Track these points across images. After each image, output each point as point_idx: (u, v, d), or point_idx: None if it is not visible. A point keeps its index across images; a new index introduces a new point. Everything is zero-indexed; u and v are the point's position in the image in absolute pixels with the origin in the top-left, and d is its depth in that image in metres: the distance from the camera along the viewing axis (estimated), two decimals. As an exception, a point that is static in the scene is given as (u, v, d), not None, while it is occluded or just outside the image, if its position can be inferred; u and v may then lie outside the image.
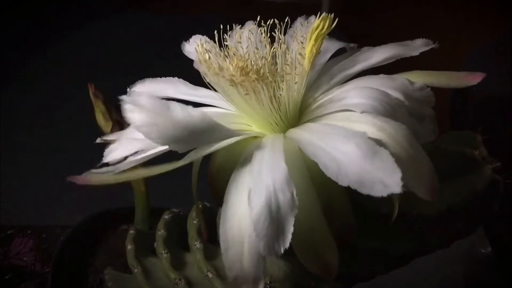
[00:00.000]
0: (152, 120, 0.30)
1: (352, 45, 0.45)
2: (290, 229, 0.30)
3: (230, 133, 0.35)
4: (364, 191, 0.29)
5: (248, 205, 0.30)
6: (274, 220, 0.30)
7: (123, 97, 0.30)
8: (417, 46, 0.41)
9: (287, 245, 0.30)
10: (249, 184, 0.31)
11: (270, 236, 0.30)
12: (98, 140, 0.41)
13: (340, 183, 0.29)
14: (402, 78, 0.37)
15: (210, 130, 0.33)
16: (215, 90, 0.41)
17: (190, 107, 0.32)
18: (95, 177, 0.36)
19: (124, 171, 0.36)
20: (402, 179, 0.28)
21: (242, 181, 0.33)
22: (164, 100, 0.31)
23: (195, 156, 0.35)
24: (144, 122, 0.30)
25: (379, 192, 0.28)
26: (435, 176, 0.31)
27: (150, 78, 0.46)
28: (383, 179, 0.28)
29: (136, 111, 0.30)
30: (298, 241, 0.33)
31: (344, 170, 0.29)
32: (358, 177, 0.29)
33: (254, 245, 0.31)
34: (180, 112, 0.31)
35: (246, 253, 0.31)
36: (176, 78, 0.45)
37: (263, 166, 0.32)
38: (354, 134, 0.31)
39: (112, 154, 0.39)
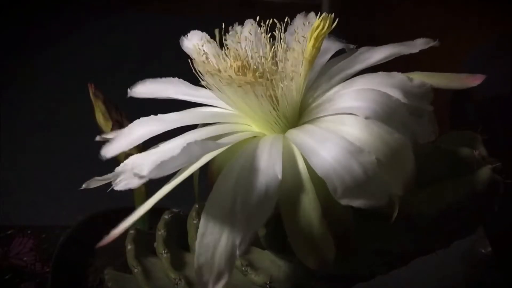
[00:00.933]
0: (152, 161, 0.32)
1: (351, 46, 0.45)
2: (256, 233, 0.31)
3: (231, 140, 0.36)
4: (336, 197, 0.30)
5: (234, 202, 0.31)
6: (254, 224, 0.31)
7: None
8: (417, 45, 0.41)
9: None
10: (240, 183, 0.32)
11: (247, 236, 0.31)
12: (98, 138, 0.41)
13: (334, 195, 0.30)
14: (401, 75, 0.37)
15: (210, 150, 0.34)
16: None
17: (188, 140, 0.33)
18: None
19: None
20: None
21: (234, 176, 0.33)
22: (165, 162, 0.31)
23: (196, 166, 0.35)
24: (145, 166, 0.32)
25: (366, 205, 0.30)
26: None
27: (151, 79, 0.46)
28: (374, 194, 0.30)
29: (143, 179, 0.31)
30: (297, 239, 0.33)
31: (341, 182, 0.30)
32: (345, 184, 0.30)
33: (232, 240, 0.31)
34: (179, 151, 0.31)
35: (222, 243, 0.32)
36: (177, 78, 0.45)
37: (258, 169, 0.33)
38: (352, 147, 0.31)
39: (110, 148, 0.39)
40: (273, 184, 0.32)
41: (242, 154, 0.35)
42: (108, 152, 0.40)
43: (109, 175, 0.37)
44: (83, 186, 0.37)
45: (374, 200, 0.30)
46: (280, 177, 0.32)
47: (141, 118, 0.41)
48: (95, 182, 0.37)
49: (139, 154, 0.38)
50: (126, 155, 0.56)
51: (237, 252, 0.31)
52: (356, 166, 0.30)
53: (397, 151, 0.32)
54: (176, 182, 0.36)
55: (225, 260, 0.32)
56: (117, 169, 0.37)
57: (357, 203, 0.30)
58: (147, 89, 0.45)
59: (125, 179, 0.36)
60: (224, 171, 0.34)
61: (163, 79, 0.45)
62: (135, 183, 0.35)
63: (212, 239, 0.32)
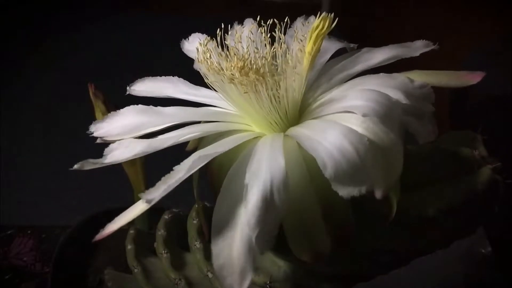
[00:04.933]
0: None
1: (352, 45, 0.45)
2: (276, 229, 0.30)
3: (232, 142, 0.36)
4: (327, 173, 0.29)
5: (244, 198, 0.31)
6: (266, 217, 0.30)
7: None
8: (417, 48, 0.41)
9: (274, 240, 0.30)
10: (246, 179, 0.32)
11: (262, 230, 0.30)
12: (99, 140, 0.41)
13: (323, 172, 0.30)
14: (402, 76, 0.37)
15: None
16: (215, 90, 0.41)
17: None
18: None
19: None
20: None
21: (240, 174, 0.33)
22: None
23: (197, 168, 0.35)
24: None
25: (340, 189, 0.29)
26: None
27: (150, 77, 0.46)
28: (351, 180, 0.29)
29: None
30: (293, 233, 0.33)
31: (328, 159, 0.30)
32: (334, 171, 0.29)
33: (247, 234, 0.31)
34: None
35: (237, 240, 0.31)
36: (176, 77, 0.45)
37: (262, 163, 0.32)
38: (350, 132, 0.31)
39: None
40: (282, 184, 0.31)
41: (244, 157, 0.35)
42: (98, 130, 0.40)
43: (102, 158, 0.37)
44: (75, 166, 0.36)
45: (363, 185, 0.30)
46: (285, 176, 0.32)
47: (139, 105, 0.41)
48: (89, 164, 0.37)
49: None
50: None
51: (255, 246, 0.30)
52: (347, 144, 0.30)
53: (388, 151, 0.32)
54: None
55: (243, 256, 0.31)
56: (112, 145, 0.38)
57: (346, 189, 0.30)
58: (146, 87, 0.45)
59: (117, 148, 0.37)
60: (229, 175, 0.34)
61: (163, 77, 0.45)
62: (126, 154, 0.36)
63: (227, 237, 0.32)
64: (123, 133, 0.40)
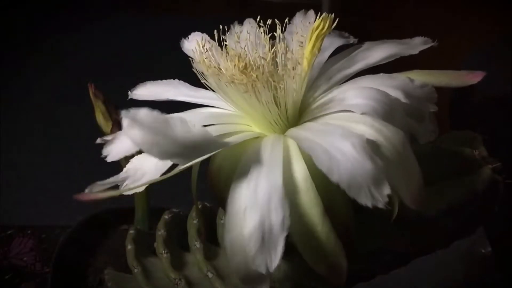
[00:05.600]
0: (151, 138, 0.30)
1: (352, 40, 0.45)
2: (280, 249, 0.30)
3: (233, 140, 0.35)
4: (351, 193, 0.29)
5: (243, 221, 0.31)
6: (265, 240, 0.30)
7: (122, 112, 0.30)
8: (416, 45, 0.41)
9: (277, 263, 0.30)
10: (244, 200, 0.32)
11: (260, 254, 0.30)
12: (99, 140, 0.41)
13: (329, 177, 0.29)
14: (402, 76, 0.37)
15: (211, 146, 0.33)
16: (214, 91, 0.41)
17: (190, 123, 0.32)
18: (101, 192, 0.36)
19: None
20: (389, 191, 0.29)
21: (240, 192, 0.33)
22: (163, 116, 0.31)
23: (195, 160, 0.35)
24: (144, 140, 0.30)
25: (363, 200, 0.29)
26: (423, 185, 0.32)
27: (151, 81, 0.46)
28: (371, 189, 0.29)
29: (135, 128, 0.29)
30: (301, 242, 0.33)
31: (336, 165, 0.29)
32: (348, 177, 0.29)
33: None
34: (180, 129, 0.31)
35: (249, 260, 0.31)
36: (177, 80, 0.45)
37: (260, 180, 0.32)
38: (351, 134, 0.31)
39: (112, 152, 0.39)
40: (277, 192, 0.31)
41: (244, 166, 0.34)
42: (110, 153, 0.40)
43: (111, 179, 0.37)
44: (86, 190, 0.37)
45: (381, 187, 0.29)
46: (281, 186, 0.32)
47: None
48: (98, 187, 0.37)
49: (139, 157, 0.38)
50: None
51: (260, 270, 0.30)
52: (345, 143, 0.30)
53: (391, 141, 0.32)
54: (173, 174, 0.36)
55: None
56: (122, 174, 0.38)
57: (353, 191, 0.29)
58: (147, 91, 0.45)
59: (130, 183, 0.37)
60: (231, 192, 0.33)
61: (164, 81, 0.46)
62: (141, 187, 0.36)
63: (240, 258, 0.31)
64: (134, 150, 0.39)
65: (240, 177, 0.33)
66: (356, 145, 0.30)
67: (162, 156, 0.30)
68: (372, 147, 0.30)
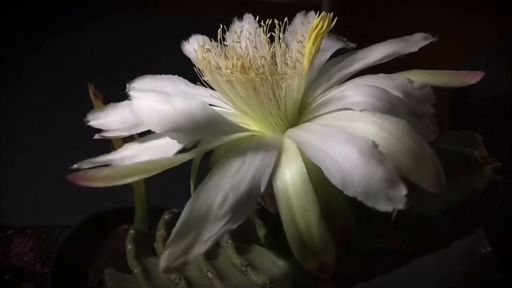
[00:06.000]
0: (154, 109, 0.30)
1: (351, 45, 0.45)
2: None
3: (231, 127, 0.35)
4: (369, 203, 0.29)
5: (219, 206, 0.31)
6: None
7: (131, 92, 0.31)
8: (416, 42, 0.41)
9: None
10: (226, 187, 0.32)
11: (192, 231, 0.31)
12: (97, 136, 0.41)
13: (345, 193, 0.29)
14: (401, 77, 0.37)
15: (211, 122, 0.33)
16: (214, 89, 0.41)
17: (192, 98, 0.32)
18: (95, 172, 0.35)
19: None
20: (406, 191, 0.28)
21: (224, 175, 0.33)
22: (167, 92, 0.31)
23: (199, 151, 0.35)
24: (145, 110, 0.30)
25: (383, 206, 0.29)
26: (439, 167, 0.31)
27: (150, 75, 0.46)
28: (388, 192, 0.29)
29: (141, 103, 0.30)
30: (296, 241, 0.33)
31: (350, 179, 0.29)
32: (363, 189, 0.29)
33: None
34: (181, 102, 0.31)
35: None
36: (176, 76, 0.45)
37: (247, 174, 0.32)
38: (356, 140, 0.31)
39: (98, 117, 0.40)
40: (255, 193, 0.32)
41: (237, 153, 0.34)
42: (95, 119, 0.40)
43: (103, 158, 0.37)
44: (75, 165, 0.36)
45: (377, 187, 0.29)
46: (262, 189, 0.32)
47: None
48: (88, 164, 0.36)
49: (136, 145, 0.38)
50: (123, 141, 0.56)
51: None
52: (351, 151, 0.30)
53: (395, 133, 0.31)
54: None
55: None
56: (116, 158, 0.37)
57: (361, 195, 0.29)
58: (146, 85, 0.45)
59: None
60: (218, 164, 0.34)
61: (163, 76, 0.45)
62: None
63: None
64: (121, 129, 0.39)
65: (231, 157, 0.34)
66: (363, 151, 0.30)
67: (162, 127, 0.30)
68: (379, 149, 0.30)
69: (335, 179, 0.30)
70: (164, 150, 0.36)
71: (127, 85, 0.45)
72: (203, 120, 0.32)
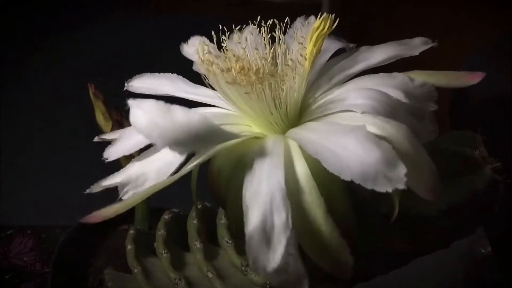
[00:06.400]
0: (154, 122, 0.30)
1: (351, 45, 0.45)
2: (281, 250, 0.30)
3: (230, 136, 0.35)
4: (368, 185, 0.28)
5: (244, 220, 0.31)
6: (267, 240, 0.30)
7: (129, 101, 0.30)
8: (417, 45, 0.41)
9: (276, 264, 0.30)
10: (245, 199, 0.31)
11: (260, 253, 0.30)
12: (96, 139, 0.41)
13: (343, 177, 0.29)
14: (402, 76, 0.37)
15: (211, 134, 0.33)
16: (215, 90, 0.41)
17: (191, 111, 0.32)
18: (106, 210, 0.37)
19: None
20: (406, 170, 0.28)
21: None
22: (166, 105, 0.31)
23: (196, 162, 0.35)
24: (146, 124, 0.30)
25: (383, 186, 0.28)
26: (436, 175, 0.31)
27: (149, 73, 0.46)
28: (387, 173, 0.28)
29: (140, 113, 0.30)
30: (306, 241, 0.32)
31: (346, 164, 0.29)
32: (360, 170, 0.28)
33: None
34: (181, 115, 0.31)
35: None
36: (175, 75, 0.45)
37: (262, 180, 0.32)
38: (352, 128, 0.31)
39: (113, 151, 0.39)
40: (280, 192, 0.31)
41: (244, 166, 0.34)
42: (111, 154, 0.40)
43: (111, 181, 0.37)
44: (87, 191, 0.37)
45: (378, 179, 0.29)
46: (284, 186, 0.31)
47: None
48: (99, 187, 0.37)
49: (141, 161, 0.38)
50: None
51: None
52: (348, 137, 0.30)
53: (395, 136, 0.31)
54: (177, 177, 0.36)
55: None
56: (122, 180, 0.38)
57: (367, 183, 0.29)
58: (144, 83, 0.45)
59: (131, 189, 0.37)
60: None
61: (162, 74, 0.45)
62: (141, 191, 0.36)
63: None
64: (134, 150, 0.40)
65: (241, 172, 0.33)
66: (359, 136, 0.30)
67: (163, 141, 0.30)
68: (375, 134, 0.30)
69: (331, 165, 0.29)
70: (167, 162, 0.37)
71: (126, 83, 0.45)
72: (204, 134, 0.32)
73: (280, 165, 0.33)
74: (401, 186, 0.28)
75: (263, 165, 0.33)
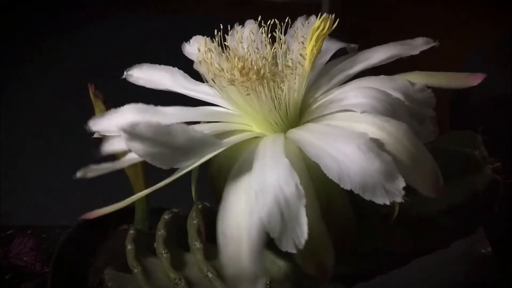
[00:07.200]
0: (154, 150, 0.30)
1: (352, 45, 0.45)
2: (304, 219, 0.29)
3: (226, 144, 0.35)
4: (367, 196, 0.29)
5: (256, 206, 0.30)
6: (286, 215, 0.29)
7: (121, 128, 0.29)
8: (417, 45, 0.41)
9: (306, 235, 0.29)
10: (253, 185, 0.31)
11: (286, 231, 0.29)
12: (96, 135, 0.41)
13: (342, 186, 0.29)
14: (402, 79, 0.37)
15: (212, 147, 0.33)
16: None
17: (190, 129, 0.31)
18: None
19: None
20: (404, 184, 0.28)
21: (242, 180, 0.33)
22: (163, 126, 0.30)
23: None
24: (146, 153, 0.30)
25: (380, 198, 0.29)
26: (438, 173, 0.31)
27: (148, 64, 0.45)
28: (386, 185, 0.28)
29: (136, 142, 0.29)
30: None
31: (347, 172, 0.29)
32: (360, 181, 0.29)
33: (254, 243, 0.30)
34: (182, 137, 0.31)
35: (244, 250, 0.31)
36: (176, 68, 0.44)
37: (265, 164, 0.32)
38: (355, 135, 0.31)
39: (98, 122, 0.40)
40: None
41: (245, 160, 0.34)
42: (96, 125, 0.40)
43: (106, 165, 0.37)
44: (78, 174, 0.35)
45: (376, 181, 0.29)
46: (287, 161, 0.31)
47: (138, 104, 0.40)
48: (92, 171, 0.36)
49: None
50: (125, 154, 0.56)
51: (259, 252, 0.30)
52: (349, 145, 0.30)
53: (395, 136, 0.31)
54: (174, 177, 0.36)
55: (253, 264, 0.30)
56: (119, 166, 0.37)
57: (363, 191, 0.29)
58: (144, 74, 0.45)
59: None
60: (230, 181, 0.33)
61: (162, 66, 0.45)
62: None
63: (234, 248, 0.31)
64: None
65: (241, 165, 0.34)
66: (361, 145, 0.30)
67: (166, 165, 0.31)
68: (377, 144, 0.30)
69: (331, 172, 0.29)
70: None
71: (125, 72, 0.45)
72: (206, 149, 0.32)
73: (282, 152, 0.33)
74: (398, 200, 0.28)
75: (265, 156, 0.33)
